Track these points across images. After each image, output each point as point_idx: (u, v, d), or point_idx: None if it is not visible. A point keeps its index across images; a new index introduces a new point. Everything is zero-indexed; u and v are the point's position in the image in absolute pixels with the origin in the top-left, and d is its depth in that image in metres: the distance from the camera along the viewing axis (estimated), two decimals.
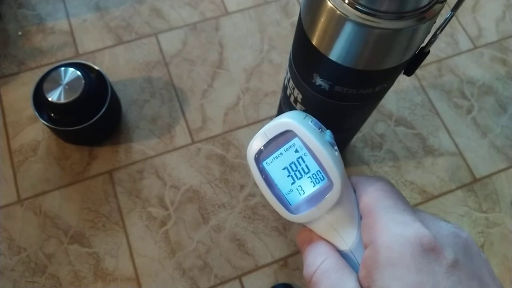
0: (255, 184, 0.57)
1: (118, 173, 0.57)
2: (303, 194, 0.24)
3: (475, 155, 0.61)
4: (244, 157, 0.59)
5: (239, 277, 0.53)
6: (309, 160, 0.23)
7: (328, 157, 0.23)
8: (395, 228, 0.20)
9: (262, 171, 0.24)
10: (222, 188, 0.57)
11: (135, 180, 0.57)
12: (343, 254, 0.23)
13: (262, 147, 0.24)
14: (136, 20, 0.67)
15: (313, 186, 0.23)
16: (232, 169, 0.58)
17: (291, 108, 0.42)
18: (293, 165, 0.23)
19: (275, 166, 0.24)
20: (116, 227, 0.54)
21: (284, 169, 0.24)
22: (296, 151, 0.23)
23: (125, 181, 0.57)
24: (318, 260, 0.22)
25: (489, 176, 0.60)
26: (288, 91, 0.41)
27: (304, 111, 0.27)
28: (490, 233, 0.57)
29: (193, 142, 0.59)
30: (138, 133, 0.59)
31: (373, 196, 0.22)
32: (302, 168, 0.23)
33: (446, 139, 0.62)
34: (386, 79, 0.34)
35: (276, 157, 0.24)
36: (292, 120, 0.23)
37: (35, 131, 0.59)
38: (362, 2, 0.26)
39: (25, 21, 0.65)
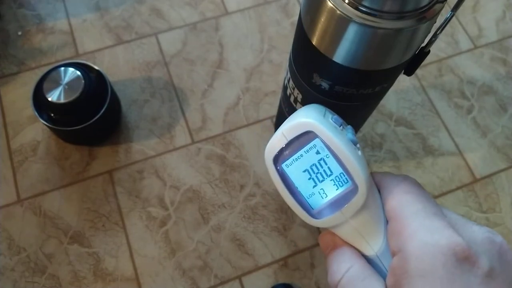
0: (255, 184, 0.57)
1: (118, 173, 0.57)
2: (326, 197, 0.22)
3: (475, 155, 0.61)
4: (244, 157, 0.59)
5: (239, 277, 0.53)
6: (331, 162, 0.22)
7: (352, 158, 0.21)
8: (426, 236, 0.19)
9: (281, 174, 0.23)
10: (222, 188, 0.57)
11: (135, 180, 0.57)
12: (369, 260, 0.22)
13: (280, 149, 0.23)
14: (136, 20, 0.67)
15: (336, 190, 0.22)
16: (232, 169, 0.58)
17: (291, 108, 0.42)
18: (314, 167, 0.22)
19: (295, 168, 0.22)
20: (116, 227, 0.54)
21: (304, 171, 0.22)
22: (318, 152, 0.22)
23: (125, 181, 0.57)
24: (343, 268, 0.21)
25: (489, 176, 0.60)
26: (288, 91, 0.41)
27: (323, 105, 0.26)
28: None
29: (193, 142, 0.59)
30: (138, 133, 0.59)
31: (400, 199, 0.21)
32: (324, 171, 0.22)
33: (446, 139, 0.62)
34: (386, 79, 0.34)
35: (296, 159, 0.22)
36: (312, 120, 0.22)
37: (35, 131, 0.59)
38: (362, 2, 0.26)
39: (25, 21, 0.65)
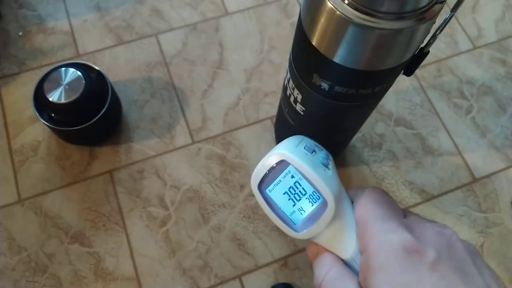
0: None
1: (118, 173, 0.57)
2: (304, 213, 0.26)
3: (474, 155, 0.61)
4: (244, 157, 0.59)
5: (239, 277, 0.53)
6: (304, 183, 0.26)
7: (319, 178, 0.25)
8: (382, 236, 0.22)
9: (266, 198, 0.27)
10: (222, 188, 0.57)
11: (135, 180, 0.57)
12: (346, 262, 0.25)
13: (263, 177, 0.27)
14: (136, 20, 0.67)
15: (312, 206, 0.26)
16: (232, 169, 0.58)
17: (291, 108, 0.43)
18: (291, 189, 0.26)
19: (277, 192, 0.27)
20: (117, 227, 0.54)
21: (284, 193, 0.26)
22: (292, 176, 0.26)
23: (125, 181, 0.57)
24: (324, 271, 0.25)
25: (488, 176, 0.60)
26: (288, 91, 0.41)
27: (302, 134, 0.30)
28: (490, 233, 0.57)
29: (193, 142, 0.60)
30: (138, 133, 0.60)
31: (364, 207, 0.25)
32: (300, 191, 0.26)
33: (445, 139, 0.62)
34: (386, 79, 0.34)
35: (276, 184, 0.27)
36: (284, 150, 0.27)
37: (36, 131, 0.59)
38: (362, 3, 0.26)
39: (25, 21, 0.66)
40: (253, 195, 0.56)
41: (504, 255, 0.56)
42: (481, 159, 0.61)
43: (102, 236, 0.54)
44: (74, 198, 0.56)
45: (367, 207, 0.25)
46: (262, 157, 0.27)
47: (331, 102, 0.36)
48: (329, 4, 0.27)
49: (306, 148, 0.28)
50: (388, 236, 0.22)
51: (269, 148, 0.59)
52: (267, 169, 0.27)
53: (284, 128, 0.51)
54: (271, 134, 0.61)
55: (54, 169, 0.57)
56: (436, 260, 0.21)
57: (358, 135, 0.61)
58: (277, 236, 0.55)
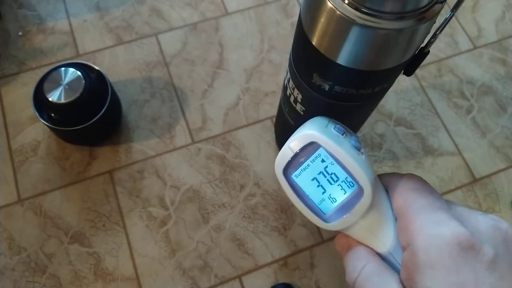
0: (255, 184, 0.57)
1: (118, 173, 0.57)
2: (335, 202, 0.24)
3: (474, 155, 0.61)
4: (244, 157, 0.59)
5: (239, 277, 0.53)
6: (336, 168, 0.23)
7: (355, 163, 0.23)
8: (431, 229, 0.20)
9: (292, 184, 0.24)
10: (222, 188, 0.57)
11: (135, 180, 0.57)
12: (382, 256, 0.23)
13: (288, 161, 0.24)
14: (136, 20, 0.67)
15: (344, 194, 0.23)
16: (232, 169, 0.58)
17: (291, 108, 0.43)
18: (321, 175, 0.24)
19: (304, 177, 0.24)
20: (117, 227, 0.54)
21: (313, 179, 0.24)
22: (323, 160, 0.24)
23: (125, 181, 0.57)
24: (359, 266, 0.22)
25: (488, 176, 0.60)
26: (288, 91, 0.41)
27: (327, 116, 0.27)
28: None
29: (193, 142, 0.59)
30: (138, 133, 0.59)
31: (406, 196, 0.22)
32: (331, 177, 0.24)
33: (445, 139, 0.62)
34: (386, 79, 0.34)
35: (304, 169, 0.24)
36: (314, 131, 0.24)
37: (36, 131, 0.59)
38: (362, 3, 0.26)
39: (25, 21, 0.66)
40: (253, 195, 0.57)
41: None
42: (481, 159, 0.61)
43: (102, 236, 0.54)
44: (74, 198, 0.56)
45: (408, 195, 0.22)
46: (287, 141, 0.25)
47: (331, 102, 0.36)
48: (329, 4, 0.27)
49: (336, 129, 0.25)
50: (439, 229, 0.19)
51: (269, 148, 0.59)
52: (294, 152, 0.24)
53: (284, 128, 0.51)
54: (271, 134, 0.61)
55: (54, 169, 0.57)
56: (494, 258, 0.18)
57: (358, 135, 0.61)
58: (277, 236, 0.55)
